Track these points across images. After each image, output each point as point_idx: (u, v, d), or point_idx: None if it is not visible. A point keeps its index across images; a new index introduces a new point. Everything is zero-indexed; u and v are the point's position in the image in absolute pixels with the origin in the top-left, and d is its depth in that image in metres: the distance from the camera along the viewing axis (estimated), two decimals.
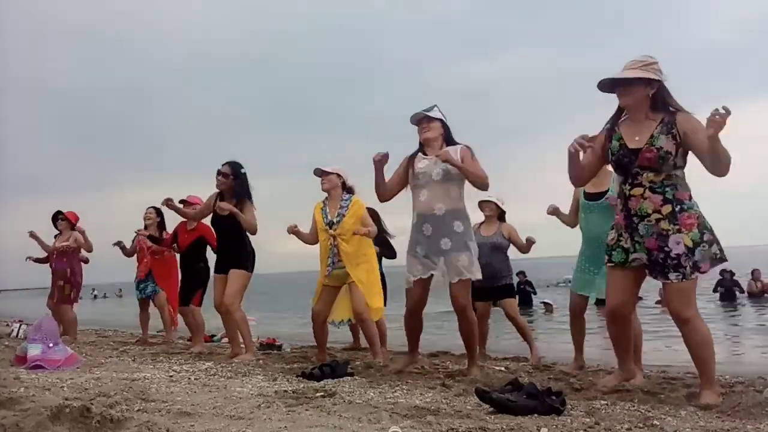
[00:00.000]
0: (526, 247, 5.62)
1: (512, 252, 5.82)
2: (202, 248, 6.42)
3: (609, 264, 3.34)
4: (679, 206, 3.10)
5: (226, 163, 5.32)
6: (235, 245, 5.29)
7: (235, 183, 5.26)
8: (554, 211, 4.79)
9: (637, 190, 3.16)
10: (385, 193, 4.30)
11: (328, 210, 5.03)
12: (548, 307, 13.34)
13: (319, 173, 5.05)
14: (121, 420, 2.41)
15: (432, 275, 4.10)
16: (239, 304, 5.30)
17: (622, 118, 3.30)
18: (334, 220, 4.95)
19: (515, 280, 6.31)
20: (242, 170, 5.30)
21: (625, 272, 3.27)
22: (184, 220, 6.46)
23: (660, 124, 3.14)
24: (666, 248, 3.10)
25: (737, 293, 14.02)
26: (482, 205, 5.73)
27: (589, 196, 4.38)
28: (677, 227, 3.08)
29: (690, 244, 3.07)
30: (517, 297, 6.07)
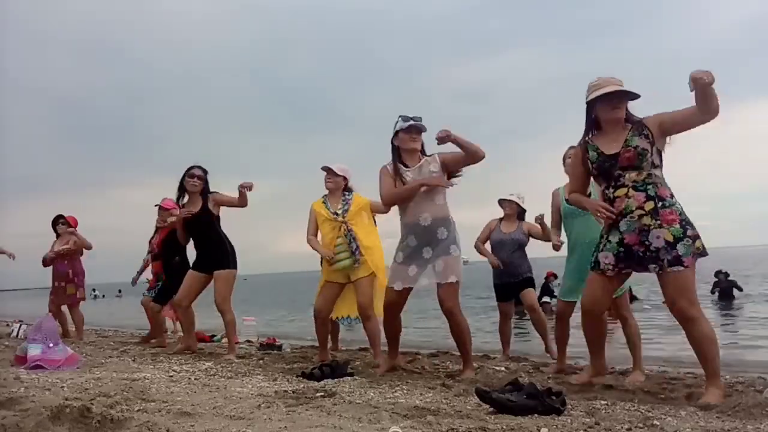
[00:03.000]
0: (544, 233, 5.28)
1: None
2: (176, 242, 6.42)
3: (590, 267, 3.48)
4: (660, 203, 3.23)
5: (197, 166, 5.47)
6: (214, 244, 5.39)
7: (203, 185, 5.43)
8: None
9: (621, 191, 3.31)
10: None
11: (330, 205, 5.04)
12: (543, 307, 13.35)
13: (328, 171, 5.05)
14: (121, 420, 2.41)
15: (408, 288, 4.17)
16: (229, 305, 5.38)
17: (595, 134, 3.49)
18: (338, 212, 4.98)
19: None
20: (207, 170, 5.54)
21: (601, 276, 3.39)
22: (158, 223, 6.89)
23: (630, 129, 3.34)
24: (646, 242, 3.21)
25: (734, 293, 13.99)
26: (503, 203, 5.73)
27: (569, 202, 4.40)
28: (658, 222, 3.20)
29: (671, 238, 3.17)
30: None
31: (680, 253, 3.16)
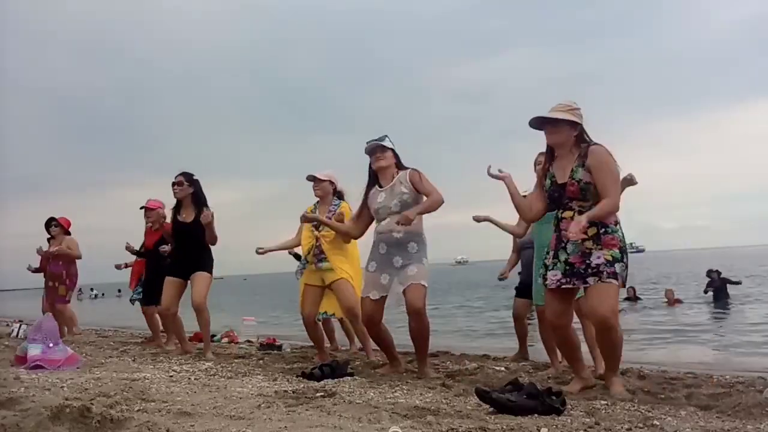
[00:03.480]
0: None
1: None
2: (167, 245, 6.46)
3: (542, 283, 3.69)
4: (603, 229, 3.40)
5: (181, 173, 5.56)
6: (198, 250, 5.48)
7: (192, 190, 5.49)
8: (486, 218, 5.13)
9: (568, 213, 3.50)
10: (356, 234, 4.62)
11: (318, 213, 5.08)
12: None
13: (313, 179, 5.11)
14: (121, 420, 2.41)
15: (384, 297, 4.23)
16: (206, 304, 5.49)
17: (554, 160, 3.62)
18: None
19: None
20: (194, 177, 5.56)
21: (555, 291, 3.56)
22: (149, 223, 6.78)
23: (577, 158, 3.48)
24: (588, 261, 3.41)
25: (729, 290, 13.89)
26: None
27: None
28: (599, 247, 3.40)
29: (610, 258, 3.38)
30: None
31: (617, 271, 3.37)
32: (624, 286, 3.45)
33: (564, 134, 3.49)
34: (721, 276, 14.01)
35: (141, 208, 6.94)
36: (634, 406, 3.08)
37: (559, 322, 3.62)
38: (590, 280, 3.39)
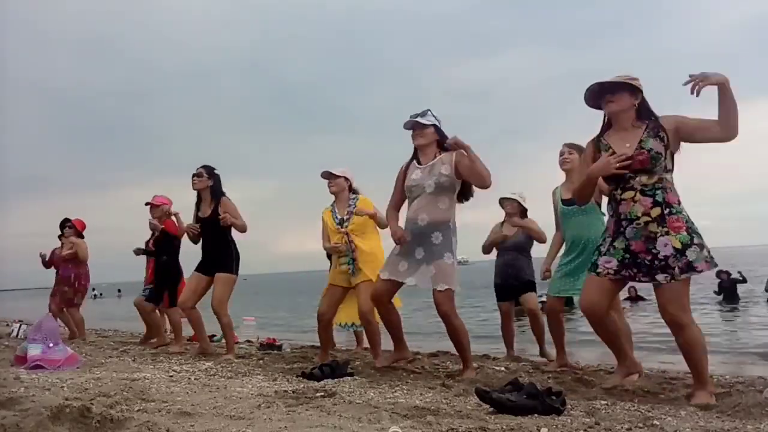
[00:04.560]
0: (537, 232, 5.49)
1: None
2: (167, 241, 6.46)
3: (589, 269, 3.41)
4: (668, 209, 3.14)
5: (202, 166, 5.49)
6: (221, 248, 5.40)
7: (211, 183, 5.41)
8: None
9: (629, 194, 3.21)
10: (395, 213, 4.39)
11: (337, 211, 5.05)
12: (543, 306, 13.33)
13: (327, 176, 5.05)
14: (121, 420, 2.41)
15: (395, 281, 4.15)
16: (226, 308, 5.40)
17: (608, 132, 3.37)
18: (344, 218, 4.98)
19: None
20: (215, 171, 5.48)
21: (599, 278, 3.32)
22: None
23: (646, 129, 3.22)
24: (654, 250, 3.14)
25: (738, 290, 13.95)
26: (503, 202, 5.67)
27: (565, 202, 4.43)
28: (665, 230, 3.12)
29: (678, 246, 3.10)
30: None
31: (690, 260, 3.08)
32: (711, 268, 3.14)
33: (624, 102, 3.24)
34: (731, 277, 14.04)
35: (146, 204, 6.94)
36: (634, 406, 3.07)
37: (591, 311, 3.34)
38: (660, 277, 3.12)
